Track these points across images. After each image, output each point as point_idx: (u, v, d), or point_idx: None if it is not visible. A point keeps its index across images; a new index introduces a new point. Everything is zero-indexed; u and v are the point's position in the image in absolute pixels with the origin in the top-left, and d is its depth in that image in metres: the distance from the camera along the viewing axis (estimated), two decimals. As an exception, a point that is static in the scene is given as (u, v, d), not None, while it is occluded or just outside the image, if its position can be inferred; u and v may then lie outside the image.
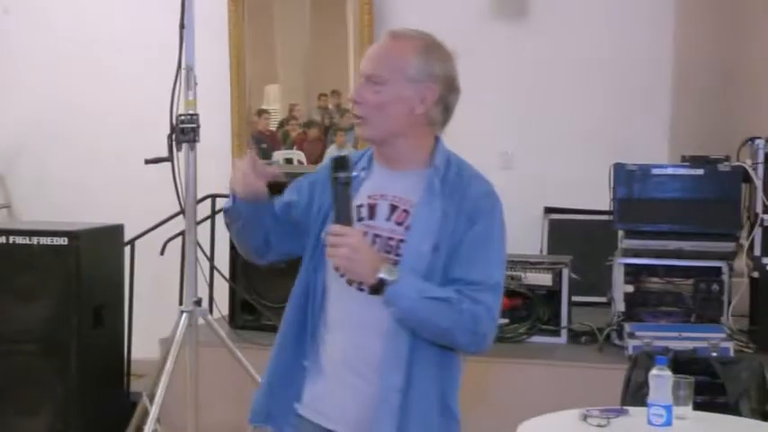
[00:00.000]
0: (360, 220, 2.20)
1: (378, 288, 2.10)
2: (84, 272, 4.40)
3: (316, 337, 2.26)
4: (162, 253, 4.65)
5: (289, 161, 6.07)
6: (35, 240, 4.36)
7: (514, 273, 4.48)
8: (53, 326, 4.37)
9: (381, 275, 2.09)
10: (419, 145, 2.22)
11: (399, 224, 2.18)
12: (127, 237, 4.83)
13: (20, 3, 6.27)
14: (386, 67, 2.18)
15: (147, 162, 3.88)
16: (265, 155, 6.06)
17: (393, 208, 2.20)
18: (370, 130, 2.21)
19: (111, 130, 6.02)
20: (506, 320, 4.41)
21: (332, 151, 6.00)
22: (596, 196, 4.63)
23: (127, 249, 4.86)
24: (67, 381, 4.37)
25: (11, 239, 4.38)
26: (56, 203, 5.97)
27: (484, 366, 3.96)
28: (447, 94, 2.21)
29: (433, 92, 2.18)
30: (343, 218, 2.13)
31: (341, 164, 2.16)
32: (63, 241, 4.33)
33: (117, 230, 4.72)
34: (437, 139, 2.25)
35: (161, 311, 4.57)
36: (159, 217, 4.92)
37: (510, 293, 4.33)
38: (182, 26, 3.81)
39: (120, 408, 4.55)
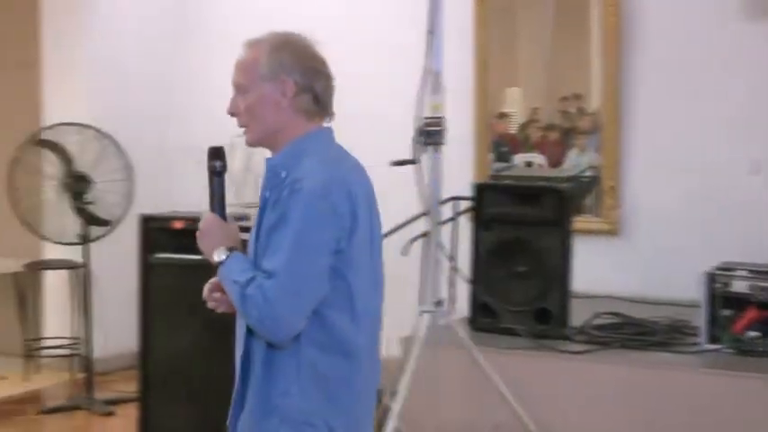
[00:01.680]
0: None
1: (217, 268, 2.29)
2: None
3: None
4: (405, 253, 4.74)
5: (529, 164, 6.05)
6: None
7: (764, 284, 4.26)
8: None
9: (214, 257, 2.28)
10: (298, 135, 2.31)
11: None
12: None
13: (248, 8, 6.57)
14: (243, 74, 2.31)
15: (394, 164, 3.97)
16: (505, 158, 6.07)
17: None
18: (251, 134, 2.32)
19: (356, 132, 6.17)
20: (757, 333, 4.21)
21: (572, 155, 5.94)
22: None
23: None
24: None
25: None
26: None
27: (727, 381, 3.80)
28: (309, 83, 2.30)
29: (290, 83, 2.28)
30: (214, 203, 2.35)
31: (216, 154, 2.35)
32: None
33: (362, 230, 4.84)
34: (306, 134, 2.31)
35: (400, 310, 4.65)
36: (401, 218, 5.01)
37: (762, 305, 4.13)
38: (430, 31, 3.88)
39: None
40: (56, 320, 6.55)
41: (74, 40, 6.50)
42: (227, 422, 2.35)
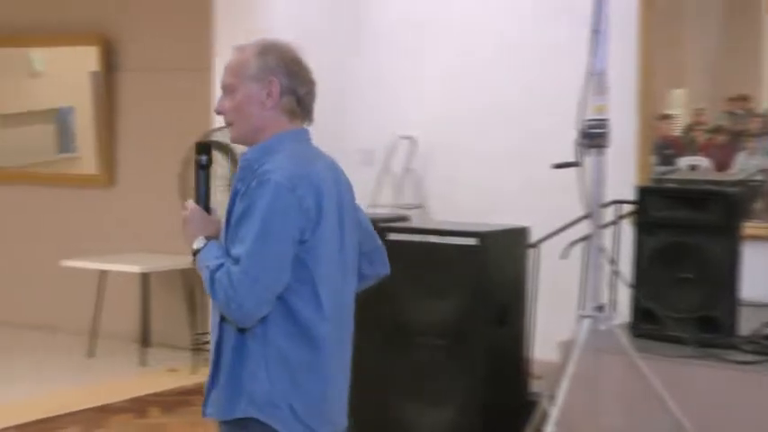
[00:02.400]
0: None
1: (195, 255, 2.45)
2: (491, 272, 4.55)
3: None
4: (565, 257, 4.69)
5: (693, 168, 5.88)
6: (447, 240, 4.58)
7: None
8: (460, 322, 4.56)
9: (193, 245, 2.45)
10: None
11: None
12: (530, 239, 4.92)
13: (414, 14, 6.61)
14: (232, 75, 2.48)
15: (556, 167, 3.94)
16: (668, 161, 5.92)
17: None
18: (236, 131, 2.51)
19: (519, 132, 6.17)
20: None
21: (741, 158, 5.74)
22: None
23: (530, 251, 4.96)
24: (471, 376, 4.53)
25: (426, 238, 4.64)
26: (463, 203, 6.22)
27: None
28: (293, 85, 2.47)
29: (276, 84, 2.45)
30: (199, 196, 2.54)
31: (203, 149, 2.56)
32: (473, 242, 4.52)
33: (523, 233, 4.83)
34: (283, 133, 2.46)
35: (558, 314, 4.62)
36: (561, 221, 4.97)
37: None
38: (594, 31, 3.82)
39: (519, 407, 4.65)
40: (222, 316, 6.77)
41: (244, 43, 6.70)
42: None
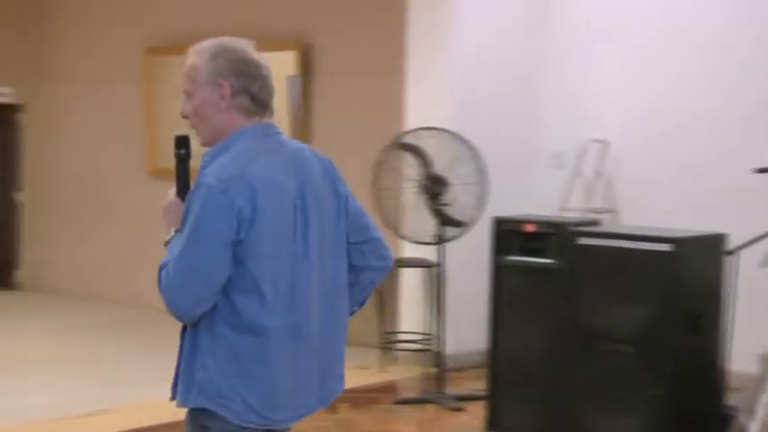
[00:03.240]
0: None
1: (165, 245, 2.52)
2: (684, 279, 4.43)
3: None
4: (765, 265, 4.50)
5: None
6: (640, 245, 4.48)
7: None
8: (650, 330, 4.45)
9: (166, 235, 2.53)
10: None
11: None
12: (728, 246, 4.75)
13: (610, 11, 6.49)
14: (188, 80, 2.56)
15: (758, 171, 3.79)
16: None
17: None
18: (202, 136, 2.58)
19: (716, 136, 5.98)
20: None
21: None
22: None
23: (727, 259, 4.78)
24: (662, 384, 4.42)
25: (616, 243, 4.56)
26: (654, 208, 6.07)
27: None
28: (244, 85, 2.52)
29: (225, 87, 2.52)
30: (179, 186, 2.57)
31: (180, 143, 2.60)
32: (666, 247, 4.40)
33: (719, 239, 4.67)
34: (237, 131, 2.53)
35: (758, 325, 4.44)
36: (762, 228, 4.77)
37: None
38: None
39: (713, 420, 4.50)
40: (410, 316, 6.87)
41: (435, 49, 6.77)
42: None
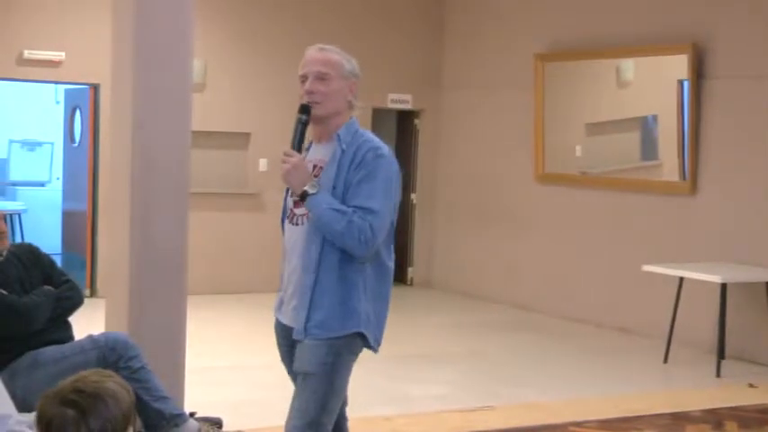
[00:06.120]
0: None
1: (303, 196, 3.18)
2: None
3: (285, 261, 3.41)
4: None
5: None
6: None
7: None
8: None
9: (306, 188, 3.18)
10: (342, 122, 3.28)
11: (316, 176, 3.25)
12: None
13: None
14: (330, 67, 3.25)
15: None
16: None
17: (314, 167, 3.28)
18: (321, 109, 3.24)
19: None
20: None
21: None
22: None
23: None
24: None
25: None
26: None
27: None
28: (357, 89, 3.32)
29: (356, 85, 3.30)
30: (296, 146, 3.22)
31: (305, 110, 3.23)
32: None
33: None
34: (352, 118, 3.31)
35: None
36: None
37: None
38: None
39: None
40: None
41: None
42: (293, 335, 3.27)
